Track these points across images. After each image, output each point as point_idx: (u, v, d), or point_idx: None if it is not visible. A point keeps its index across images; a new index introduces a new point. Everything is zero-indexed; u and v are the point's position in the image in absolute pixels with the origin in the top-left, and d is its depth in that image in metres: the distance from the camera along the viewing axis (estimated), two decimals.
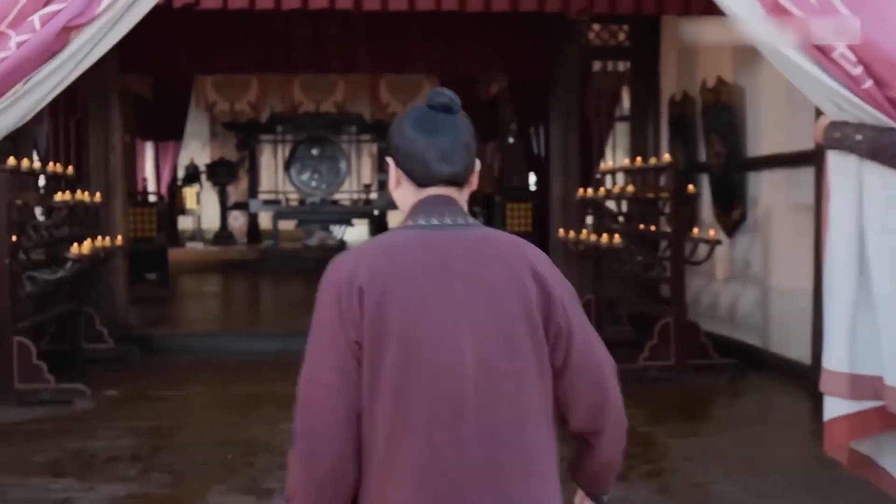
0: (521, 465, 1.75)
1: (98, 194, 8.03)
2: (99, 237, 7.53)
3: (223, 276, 14.40)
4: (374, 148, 18.29)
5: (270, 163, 18.80)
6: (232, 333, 9.04)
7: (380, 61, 9.47)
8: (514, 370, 1.74)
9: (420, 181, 1.84)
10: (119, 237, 8.17)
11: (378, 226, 16.78)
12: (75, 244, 6.65)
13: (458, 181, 1.85)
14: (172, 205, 16.74)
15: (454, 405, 1.71)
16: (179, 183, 17.15)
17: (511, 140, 15.07)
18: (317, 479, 1.74)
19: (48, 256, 7.15)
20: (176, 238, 16.93)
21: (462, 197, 1.87)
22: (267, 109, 17.69)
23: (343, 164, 17.62)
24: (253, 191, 17.27)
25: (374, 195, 17.33)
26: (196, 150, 18.76)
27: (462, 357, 1.71)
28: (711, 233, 7.21)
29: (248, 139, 17.32)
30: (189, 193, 16.76)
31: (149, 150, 15.84)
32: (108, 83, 8.84)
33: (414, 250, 1.78)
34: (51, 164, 7.41)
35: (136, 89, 15.22)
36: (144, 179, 15.24)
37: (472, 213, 2.00)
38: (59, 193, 6.96)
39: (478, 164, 1.90)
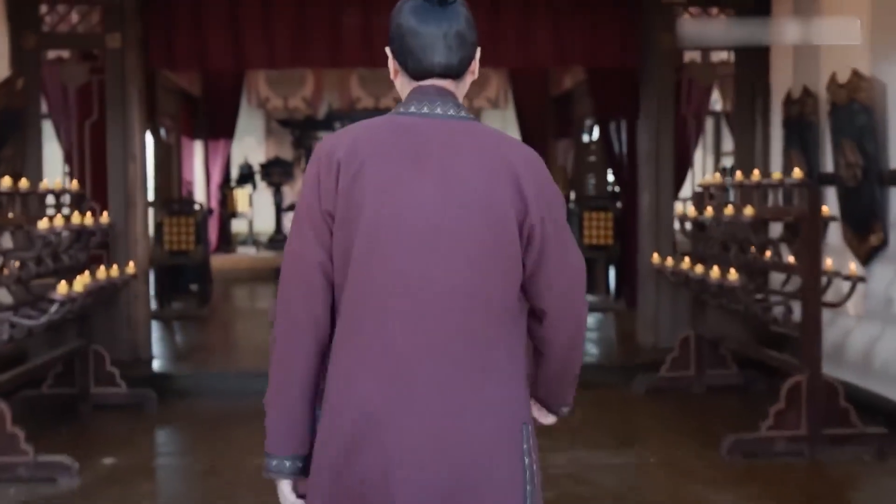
0: (473, 358, 1.76)
1: (105, 214, 6.75)
2: (102, 267, 6.25)
3: (273, 288, 13.12)
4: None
5: None
6: None
7: None
8: (475, 263, 1.75)
9: (413, 74, 1.87)
10: (131, 263, 6.86)
11: None
12: (63, 282, 5.33)
13: (452, 74, 1.87)
14: (224, 208, 15.54)
15: (410, 289, 1.74)
16: (233, 184, 15.91)
17: (586, 138, 13.52)
18: (295, 349, 1.81)
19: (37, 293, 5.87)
20: (228, 243, 15.74)
21: (460, 88, 1.91)
22: (324, 105, 16.41)
23: None
24: None
25: None
26: (251, 148, 17.53)
27: (424, 242, 1.74)
28: (852, 267, 5.67)
29: (304, 136, 16.08)
30: (241, 195, 15.49)
31: (198, 149, 14.64)
32: (127, 80, 7.55)
33: (395, 134, 1.80)
34: (45, 181, 6.14)
35: (183, 86, 14.08)
36: (189, 183, 14.02)
37: None
38: (48, 218, 5.63)
39: (477, 55, 1.91)
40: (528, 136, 15.38)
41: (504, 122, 18.21)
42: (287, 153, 16.82)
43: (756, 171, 6.53)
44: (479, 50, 1.92)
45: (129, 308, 7.63)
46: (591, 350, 8.34)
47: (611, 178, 12.46)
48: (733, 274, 5.66)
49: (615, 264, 10.76)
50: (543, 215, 1.78)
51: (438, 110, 1.83)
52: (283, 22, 7.73)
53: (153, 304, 10.25)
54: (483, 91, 15.33)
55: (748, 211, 5.69)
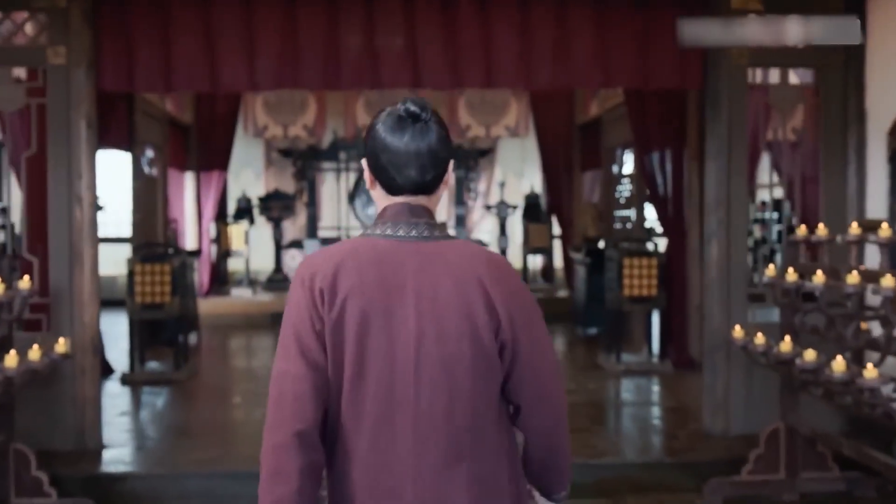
0: (453, 476, 1.84)
1: (27, 279, 5.18)
2: (36, 346, 4.68)
3: (272, 338, 11.52)
4: (452, 177, 15.29)
5: (333, 194, 15.94)
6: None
7: (457, 72, 6.45)
8: (457, 382, 1.85)
9: (388, 189, 1.95)
10: (61, 341, 5.27)
11: None
12: None
13: (425, 190, 1.94)
14: (218, 245, 13.98)
15: (398, 411, 1.84)
16: (229, 219, 14.35)
17: (616, 169, 11.94)
18: (287, 466, 1.82)
19: None
20: (222, 284, 14.17)
21: (433, 200, 1.97)
22: (328, 133, 14.87)
23: None
24: (312, 227, 14.47)
25: (451, 232, 14.33)
26: (249, 181, 15.99)
27: (406, 369, 1.85)
28: None
29: (307, 167, 14.52)
30: (236, 231, 13.92)
31: (189, 182, 13.14)
32: (74, 104, 6.01)
33: (373, 265, 1.88)
34: None
35: (170, 111, 12.59)
36: (174, 221, 12.48)
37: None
38: None
39: (451, 168, 1.99)
40: (550, 167, 13.85)
41: (524, 152, 16.66)
42: (288, 185, 15.28)
43: (855, 224, 4.93)
44: (452, 163, 1.99)
45: (73, 386, 6.06)
46: (640, 435, 6.72)
47: (649, 215, 10.89)
48: (871, 371, 4.04)
49: (660, 318, 9.15)
50: (514, 323, 1.89)
51: (413, 233, 1.92)
52: (268, 36, 6.20)
53: (126, 365, 8.69)
54: (502, 118, 13.80)
55: (888, 281, 4.06)
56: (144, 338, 9.06)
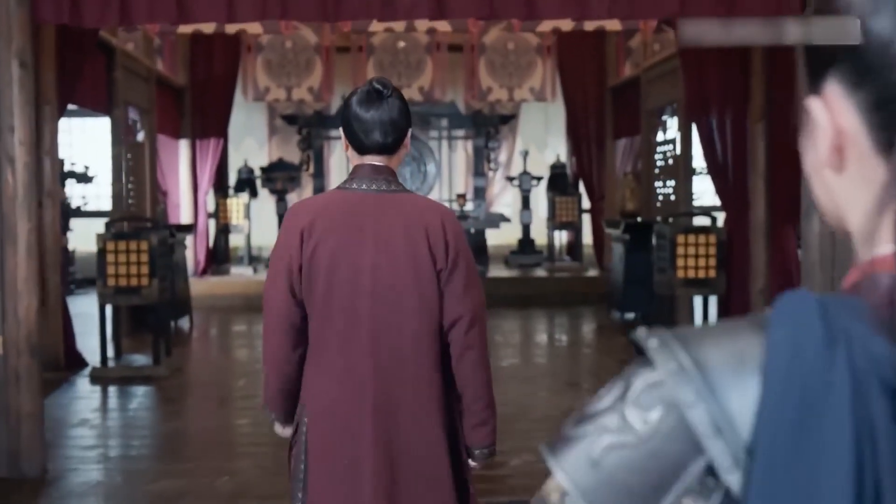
0: (401, 372, 2.32)
1: None
2: None
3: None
4: (470, 146, 13.90)
5: (341, 164, 14.60)
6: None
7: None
8: (399, 298, 2.31)
9: (358, 150, 2.38)
10: None
11: (476, 250, 12.40)
12: None
13: (386, 151, 2.36)
14: (216, 220, 12.62)
15: (358, 321, 2.31)
16: (230, 192, 12.97)
17: (661, 136, 10.51)
18: (279, 363, 2.41)
19: None
20: (222, 262, 12.82)
21: (393, 160, 2.40)
22: (336, 99, 13.47)
23: (431, 167, 13.37)
24: None
25: (469, 206, 12.95)
26: (252, 151, 14.62)
27: (365, 288, 2.30)
28: None
29: (313, 135, 13.13)
30: (235, 205, 12.54)
31: (184, 150, 11.80)
32: (2, 42, 4.64)
33: (342, 212, 2.34)
34: None
35: (162, 72, 11.20)
36: (163, 193, 11.14)
37: None
38: None
39: (409, 134, 2.42)
40: (579, 135, 12.43)
41: (548, 119, 15.24)
42: (293, 155, 13.92)
43: None
44: (410, 130, 2.43)
45: (4, 396, 4.72)
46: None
47: (697, 186, 9.47)
48: None
49: (718, 303, 7.77)
50: (448, 258, 2.34)
51: (374, 186, 2.36)
52: None
53: (97, 359, 7.35)
54: (526, 80, 12.34)
55: None
56: (122, 325, 7.73)
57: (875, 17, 0.65)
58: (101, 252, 7.19)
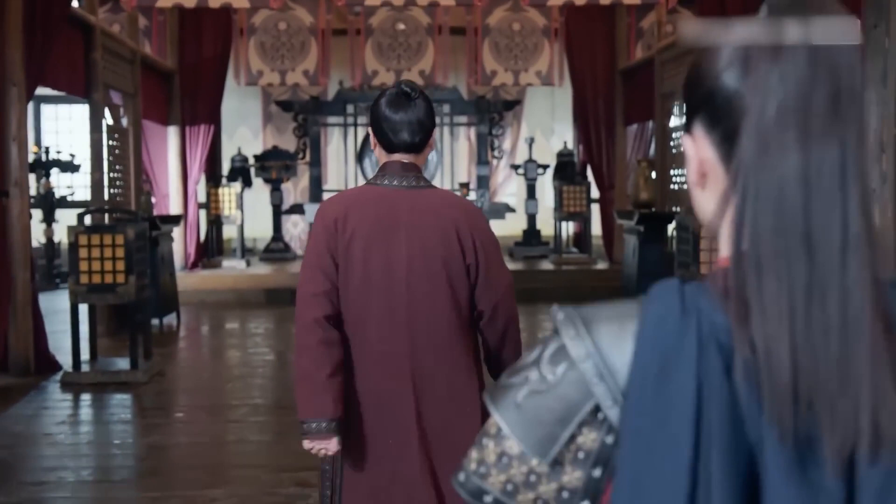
0: (436, 353, 2.41)
1: None
2: None
3: (268, 320, 9.53)
4: (473, 133, 13.23)
5: (338, 152, 13.93)
6: None
7: None
8: (434, 288, 2.39)
9: (387, 148, 2.47)
10: None
11: None
12: None
13: (414, 150, 2.45)
14: (207, 211, 11.95)
15: (393, 309, 2.38)
16: (223, 181, 12.29)
17: (675, 121, 9.85)
18: (308, 340, 2.38)
19: None
20: (214, 255, 12.17)
21: (420, 158, 2.48)
22: (333, 84, 12.80)
23: (432, 155, 12.71)
24: (316, 189, 12.44)
25: (472, 196, 12.29)
26: (246, 140, 13.91)
27: (400, 279, 2.38)
28: None
29: (310, 122, 12.47)
30: (227, 195, 11.86)
31: (173, 137, 11.13)
32: None
33: (375, 205, 2.41)
34: None
35: (149, 55, 10.53)
36: (149, 183, 10.48)
37: None
38: None
39: (434, 134, 2.52)
40: (587, 121, 11.78)
41: (554, 105, 14.57)
42: (289, 143, 13.25)
43: None
44: (435, 129, 2.53)
45: None
46: None
47: None
48: None
49: None
50: (478, 251, 2.43)
51: (404, 182, 2.44)
52: None
53: (69, 361, 6.70)
54: (532, 63, 11.66)
55: None
56: (100, 324, 7.08)
57: (725, 75, 0.87)
58: (73, 246, 6.54)
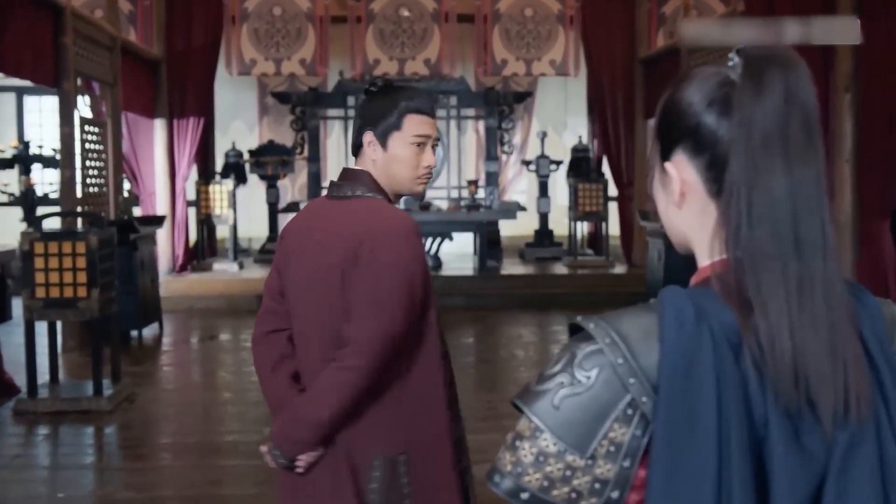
0: (328, 356, 2.20)
1: None
2: None
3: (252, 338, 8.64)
4: (482, 127, 12.30)
5: (339, 147, 13.02)
6: None
7: None
8: (327, 302, 2.21)
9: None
10: None
11: (489, 242, 10.82)
12: None
13: (353, 152, 2.31)
14: (197, 210, 11.04)
15: (303, 323, 2.26)
16: (216, 178, 11.38)
17: None
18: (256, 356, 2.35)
19: None
20: (205, 256, 11.26)
21: (359, 163, 2.27)
22: (332, 74, 11.88)
23: (438, 150, 11.79)
24: (315, 186, 11.53)
25: (481, 193, 11.38)
26: (241, 135, 13.01)
27: (304, 293, 2.24)
28: None
29: (308, 115, 11.55)
30: (218, 192, 10.95)
31: (159, 131, 10.23)
32: None
33: (303, 217, 2.31)
34: None
35: (132, 42, 9.63)
36: (131, 181, 9.58)
37: None
38: None
39: (366, 137, 2.24)
40: (605, 114, 10.85)
41: (568, 97, 13.64)
42: (286, 137, 12.34)
43: None
44: (369, 131, 2.23)
45: None
46: None
47: None
48: None
49: None
50: (358, 285, 2.16)
51: (334, 192, 2.26)
52: None
53: (23, 389, 5.80)
54: (546, 52, 10.73)
55: None
56: (64, 342, 6.18)
57: (706, 114, 1.04)
58: (28, 255, 5.65)
